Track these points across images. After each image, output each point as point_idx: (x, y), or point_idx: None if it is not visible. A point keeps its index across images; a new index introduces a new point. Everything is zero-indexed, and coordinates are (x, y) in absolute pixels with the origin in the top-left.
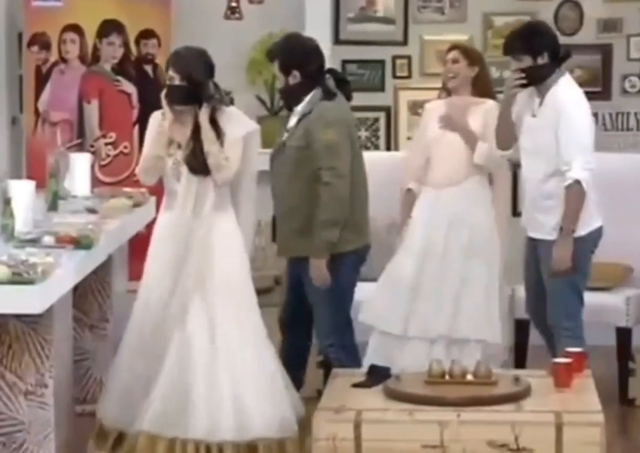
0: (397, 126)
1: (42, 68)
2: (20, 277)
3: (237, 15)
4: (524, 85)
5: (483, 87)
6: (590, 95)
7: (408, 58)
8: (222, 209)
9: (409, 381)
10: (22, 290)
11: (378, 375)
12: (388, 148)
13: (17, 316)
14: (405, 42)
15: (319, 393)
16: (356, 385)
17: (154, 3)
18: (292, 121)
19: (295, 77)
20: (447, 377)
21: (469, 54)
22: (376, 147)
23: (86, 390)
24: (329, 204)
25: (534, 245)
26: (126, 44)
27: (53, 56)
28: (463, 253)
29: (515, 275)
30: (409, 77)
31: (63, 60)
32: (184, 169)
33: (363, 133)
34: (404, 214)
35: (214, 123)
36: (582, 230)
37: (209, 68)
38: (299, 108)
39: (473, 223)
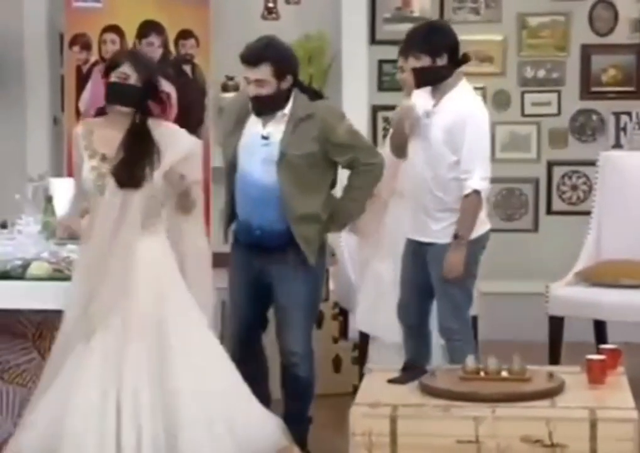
0: None
1: (82, 68)
2: (61, 274)
3: (274, 15)
4: (418, 86)
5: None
6: (624, 95)
7: None
8: (149, 230)
9: (444, 377)
10: (63, 287)
11: (413, 371)
12: None
13: (59, 312)
14: None
15: (355, 389)
16: (391, 381)
17: (192, 4)
18: (274, 126)
19: (287, 82)
20: (482, 373)
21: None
22: None
23: None
24: (374, 183)
25: (421, 248)
26: (165, 45)
27: (94, 57)
28: None
29: (548, 273)
30: None
31: (104, 60)
32: (110, 182)
33: None
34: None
35: (145, 134)
36: (473, 233)
37: (163, 76)
38: (285, 112)
39: None
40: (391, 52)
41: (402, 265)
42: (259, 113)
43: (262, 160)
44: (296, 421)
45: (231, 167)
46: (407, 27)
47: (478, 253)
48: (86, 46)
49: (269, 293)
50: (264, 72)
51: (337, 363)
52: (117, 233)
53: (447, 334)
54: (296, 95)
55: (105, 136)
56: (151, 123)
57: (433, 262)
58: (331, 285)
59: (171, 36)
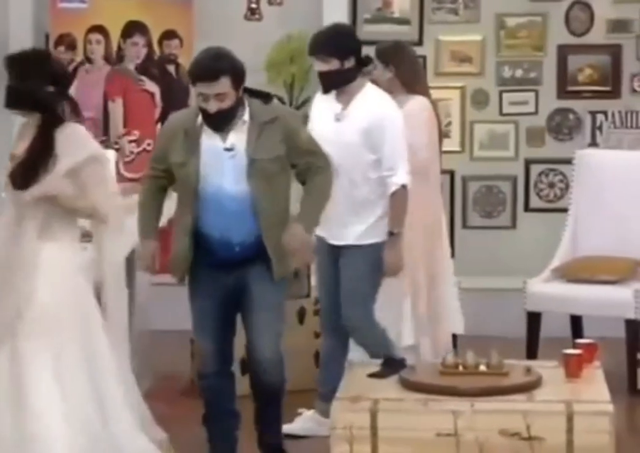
0: None
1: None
2: None
3: (257, 16)
4: (326, 90)
5: (407, 83)
6: (600, 94)
7: (424, 58)
8: (50, 237)
9: (424, 372)
10: None
11: (393, 365)
12: None
13: None
14: (420, 42)
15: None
16: (372, 376)
17: (176, 5)
18: (235, 136)
19: (241, 90)
20: (460, 368)
21: (382, 56)
22: None
23: None
24: (327, 188)
25: (335, 251)
26: (149, 45)
27: (79, 57)
28: None
29: (526, 269)
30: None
31: (89, 60)
32: (7, 182)
33: None
34: None
35: (45, 137)
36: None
37: (48, 74)
38: (245, 119)
39: None
40: (372, 52)
41: (320, 269)
42: (220, 128)
43: (232, 173)
44: (269, 428)
45: (194, 190)
46: (387, 27)
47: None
48: (71, 46)
49: (237, 306)
50: (224, 85)
51: (318, 359)
52: (15, 239)
53: (347, 321)
54: (250, 101)
55: (23, 137)
56: (63, 126)
57: (350, 263)
58: (313, 281)
59: (155, 36)
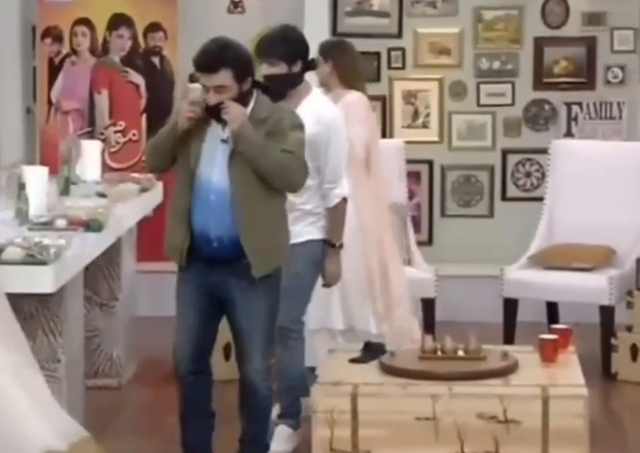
0: (392, 115)
1: (54, 60)
2: (33, 258)
3: (239, 9)
4: (273, 95)
5: (345, 79)
6: (575, 86)
7: (403, 50)
8: None
9: (403, 357)
10: (36, 271)
11: (373, 351)
12: (384, 136)
13: (31, 295)
14: (399, 35)
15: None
16: (352, 361)
17: None
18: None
19: (247, 84)
20: (439, 353)
21: (322, 51)
22: None
23: (97, 365)
24: (293, 188)
25: None
26: (134, 37)
27: (65, 49)
28: None
29: (503, 257)
30: (403, 68)
31: (75, 52)
32: None
33: None
34: None
35: None
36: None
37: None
38: (246, 112)
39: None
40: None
41: None
42: (219, 119)
43: (220, 164)
44: (252, 445)
45: (192, 175)
46: (367, 20)
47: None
48: (58, 39)
49: (223, 308)
50: (224, 77)
51: None
52: None
53: (287, 333)
54: (258, 96)
55: None
56: None
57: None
58: None
59: (140, 29)
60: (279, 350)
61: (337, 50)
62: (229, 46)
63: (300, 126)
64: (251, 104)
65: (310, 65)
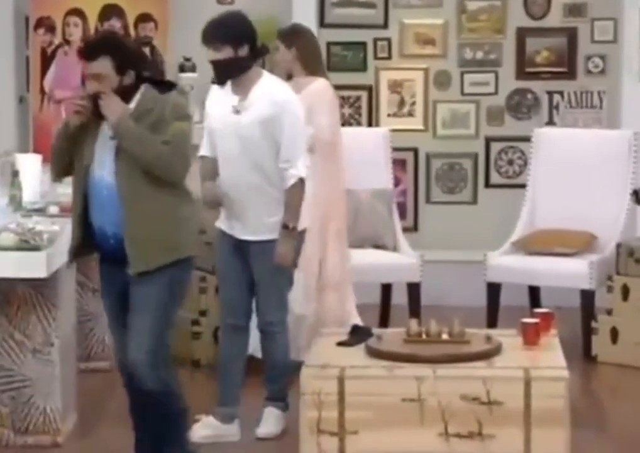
0: (378, 104)
1: (47, 50)
2: (27, 244)
3: (229, 0)
4: (220, 80)
5: (309, 65)
6: (557, 75)
7: (389, 40)
8: None
9: (389, 340)
10: (29, 256)
11: (360, 334)
12: (370, 124)
13: (25, 280)
14: (385, 25)
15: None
16: (340, 344)
17: None
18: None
19: (130, 77)
20: (424, 336)
21: (285, 38)
22: (359, 123)
23: (89, 348)
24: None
25: (243, 245)
26: (125, 28)
27: (58, 39)
28: None
29: (487, 243)
30: (389, 58)
31: (67, 42)
32: None
33: (347, 110)
34: None
35: None
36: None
37: None
38: (131, 106)
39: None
40: (339, 35)
41: (222, 263)
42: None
43: (109, 160)
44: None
45: (86, 173)
46: (353, 11)
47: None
48: (50, 29)
49: None
50: (102, 66)
51: None
52: None
53: (269, 327)
54: (146, 90)
55: None
56: None
57: (259, 257)
58: None
59: (131, 19)
60: (265, 342)
61: (300, 36)
62: (113, 36)
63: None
64: (137, 97)
65: (261, 50)
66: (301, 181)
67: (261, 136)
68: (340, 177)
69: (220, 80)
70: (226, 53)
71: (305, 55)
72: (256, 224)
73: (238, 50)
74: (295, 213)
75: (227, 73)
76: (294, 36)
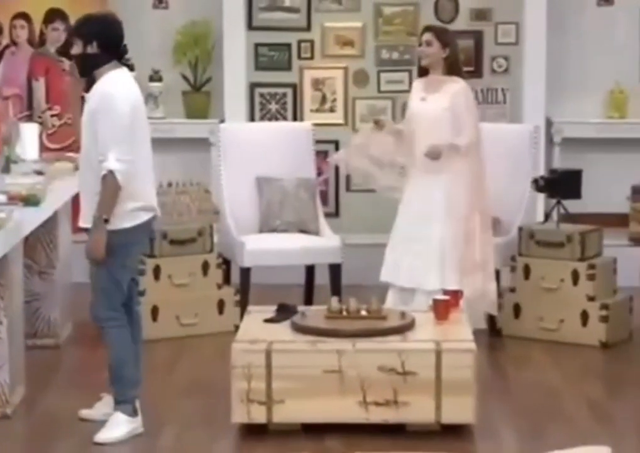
0: (302, 100)
1: None
2: None
3: (164, 4)
4: (80, 73)
5: (454, 67)
6: (465, 74)
7: (311, 42)
8: None
9: (312, 316)
10: None
11: (286, 311)
12: (294, 119)
13: None
14: (308, 28)
15: (236, 328)
16: (267, 321)
17: None
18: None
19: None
20: (344, 312)
21: (442, 37)
22: (285, 118)
23: (36, 326)
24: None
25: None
26: (68, 30)
27: (5, 40)
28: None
29: None
30: (312, 58)
31: (14, 43)
32: None
33: (274, 106)
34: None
35: None
36: (127, 223)
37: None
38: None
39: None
40: (266, 37)
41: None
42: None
43: None
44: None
45: None
46: (279, 15)
47: (133, 244)
48: None
49: None
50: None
51: (221, 306)
52: None
53: (98, 321)
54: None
55: None
56: None
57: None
58: (215, 239)
59: (74, 22)
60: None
61: (454, 38)
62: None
63: (107, 109)
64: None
65: (116, 50)
66: (112, 174)
67: (90, 129)
68: (483, 171)
69: (80, 73)
70: (77, 48)
71: (455, 56)
72: (88, 214)
73: (87, 46)
74: (104, 204)
75: (81, 68)
76: (449, 36)
